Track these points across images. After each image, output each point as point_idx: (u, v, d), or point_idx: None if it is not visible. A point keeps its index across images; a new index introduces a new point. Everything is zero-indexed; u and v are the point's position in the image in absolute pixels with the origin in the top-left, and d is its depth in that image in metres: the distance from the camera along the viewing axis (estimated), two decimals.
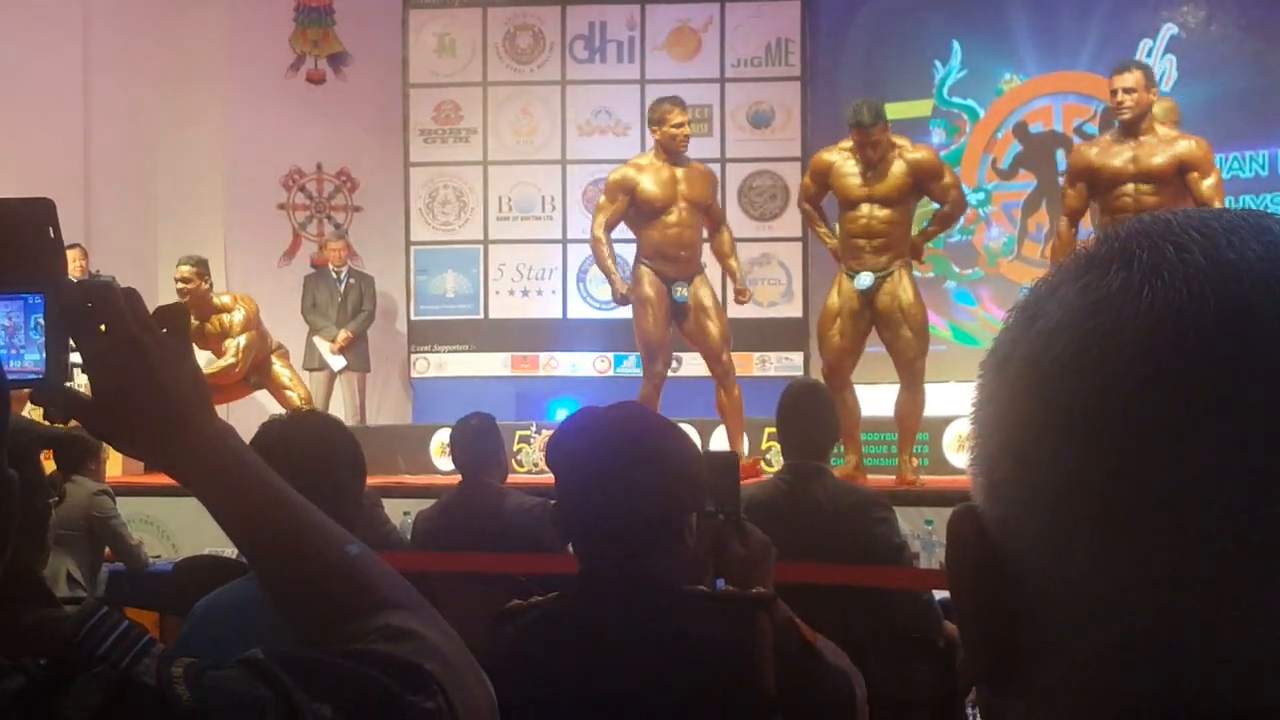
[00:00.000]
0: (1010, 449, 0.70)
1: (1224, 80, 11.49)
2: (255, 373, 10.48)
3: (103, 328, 1.29)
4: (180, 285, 10.12)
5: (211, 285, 10.38)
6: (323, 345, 12.20)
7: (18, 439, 3.13)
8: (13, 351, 1.32)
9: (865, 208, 8.57)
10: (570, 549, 2.65)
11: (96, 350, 1.29)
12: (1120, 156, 8.00)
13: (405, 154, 13.29)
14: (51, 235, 1.32)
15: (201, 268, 10.24)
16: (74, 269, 11.51)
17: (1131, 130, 7.99)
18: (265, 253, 13.64)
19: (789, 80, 13.08)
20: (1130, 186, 7.95)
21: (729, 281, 9.93)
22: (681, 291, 9.23)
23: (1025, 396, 0.70)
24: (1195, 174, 7.86)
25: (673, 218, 9.21)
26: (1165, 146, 7.93)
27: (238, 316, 10.28)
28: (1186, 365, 0.65)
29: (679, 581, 2.58)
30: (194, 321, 10.15)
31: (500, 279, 13.28)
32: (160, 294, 12.23)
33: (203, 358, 10.51)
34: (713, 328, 9.28)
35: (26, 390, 1.34)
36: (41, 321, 1.31)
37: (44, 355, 1.32)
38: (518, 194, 13.31)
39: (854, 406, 8.58)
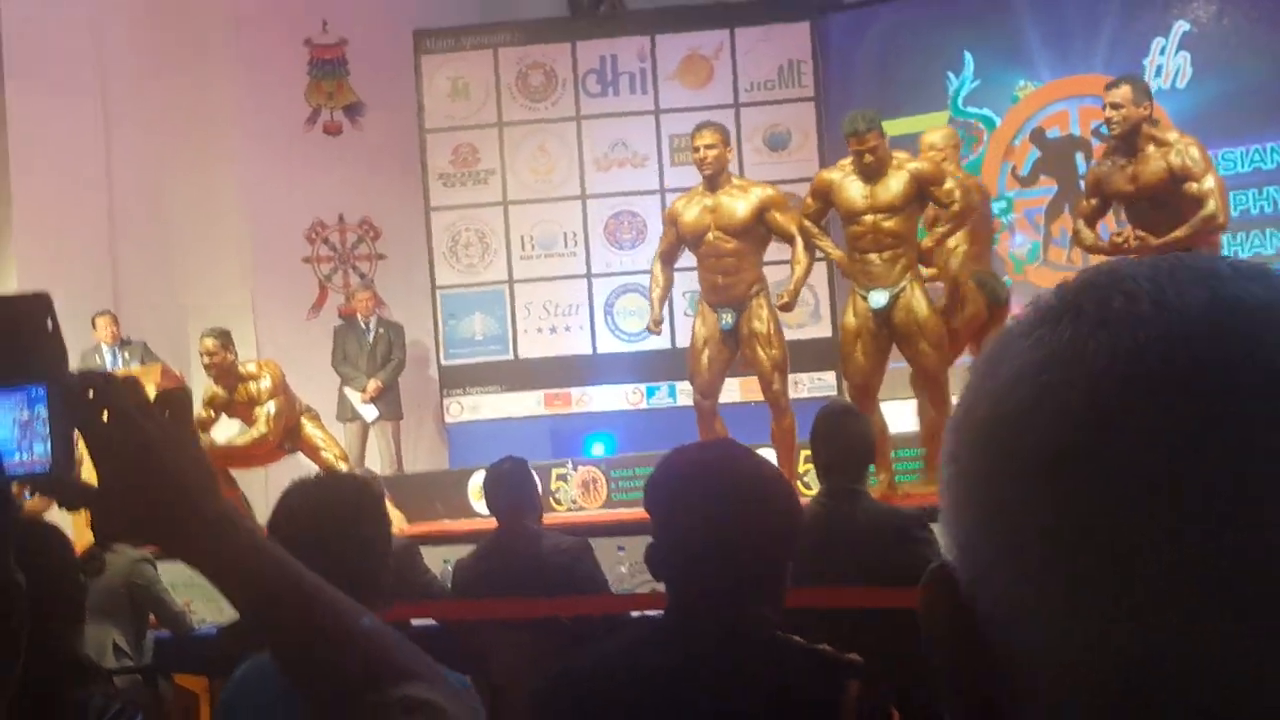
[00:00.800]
0: (974, 503, 0.71)
1: (1239, 73, 11.45)
2: (288, 438, 10.49)
3: (105, 417, 1.29)
4: (206, 359, 10.19)
5: (236, 356, 10.39)
6: (354, 396, 12.23)
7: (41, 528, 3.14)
8: (24, 444, 1.32)
9: (869, 218, 8.58)
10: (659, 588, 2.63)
11: (99, 440, 1.29)
12: (1122, 175, 8.06)
13: (425, 199, 13.33)
14: (50, 328, 1.32)
15: (224, 339, 10.29)
16: (106, 335, 11.60)
17: (1128, 145, 8.01)
18: (293, 306, 13.70)
19: (803, 101, 13.09)
20: (1137, 206, 8.01)
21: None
22: (727, 319, 9.23)
23: (983, 452, 0.71)
24: (1188, 182, 7.85)
25: (706, 247, 9.25)
26: (1159, 161, 7.93)
27: (264, 384, 10.30)
28: (1134, 415, 0.66)
29: (773, 627, 2.56)
30: (221, 392, 10.20)
31: (528, 318, 13.29)
32: (191, 355, 12.35)
33: (234, 427, 10.56)
34: (762, 355, 9.23)
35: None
36: (45, 414, 1.31)
37: (48, 448, 1.32)
38: (540, 232, 13.33)
39: (883, 425, 8.53)
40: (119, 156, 13.19)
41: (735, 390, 11.70)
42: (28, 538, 3.19)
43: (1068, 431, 0.66)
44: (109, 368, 11.20)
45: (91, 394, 1.29)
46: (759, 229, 9.18)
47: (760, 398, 9.60)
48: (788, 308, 9.31)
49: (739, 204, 9.15)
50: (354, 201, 13.92)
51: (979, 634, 0.71)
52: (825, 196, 8.85)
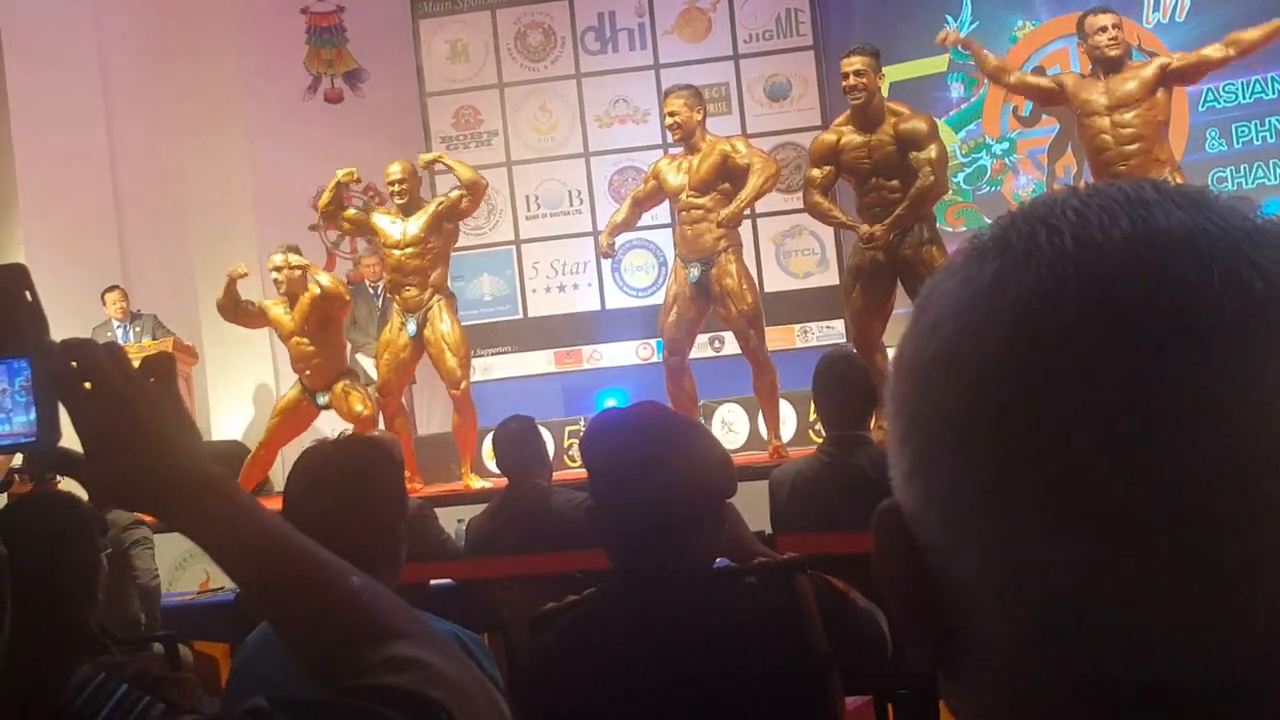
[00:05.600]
0: (907, 444, 0.72)
1: (1238, 3, 11.35)
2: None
3: (88, 385, 1.30)
4: (276, 276, 10.32)
5: (305, 270, 10.39)
6: (366, 362, 12.23)
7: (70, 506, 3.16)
8: (3, 416, 1.33)
9: (873, 182, 8.66)
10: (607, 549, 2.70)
11: (83, 408, 1.30)
12: (1098, 88, 8.43)
13: None
14: (29, 299, 1.33)
15: (294, 256, 10.38)
16: (115, 310, 11.61)
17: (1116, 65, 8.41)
18: None
19: (802, 50, 13.04)
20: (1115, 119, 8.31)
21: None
22: (694, 271, 9.37)
23: (912, 393, 0.71)
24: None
25: (681, 204, 9.48)
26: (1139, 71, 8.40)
27: (323, 280, 10.35)
28: (1048, 351, 0.65)
29: (709, 567, 2.66)
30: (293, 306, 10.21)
31: (535, 277, 13.30)
32: (202, 326, 12.38)
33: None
34: (734, 309, 9.36)
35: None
36: (27, 384, 1.32)
37: (32, 417, 1.33)
38: (544, 191, 13.32)
39: (885, 370, 8.47)
40: (121, 131, 13.17)
41: (707, 346, 11.79)
42: (39, 509, 3.21)
43: (987, 372, 0.67)
44: (121, 342, 11.23)
45: (75, 363, 1.31)
46: (724, 183, 9.35)
47: (733, 352, 9.76)
48: (724, 223, 9.28)
49: (706, 162, 9.35)
50: (358, 168, 13.86)
51: (925, 568, 0.71)
52: (831, 158, 8.90)
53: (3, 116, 12.63)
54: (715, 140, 9.50)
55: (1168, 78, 8.35)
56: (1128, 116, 8.20)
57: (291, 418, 10.45)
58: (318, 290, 10.16)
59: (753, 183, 9.17)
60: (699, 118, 9.43)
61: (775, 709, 2.51)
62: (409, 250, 9.99)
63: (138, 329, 11.81)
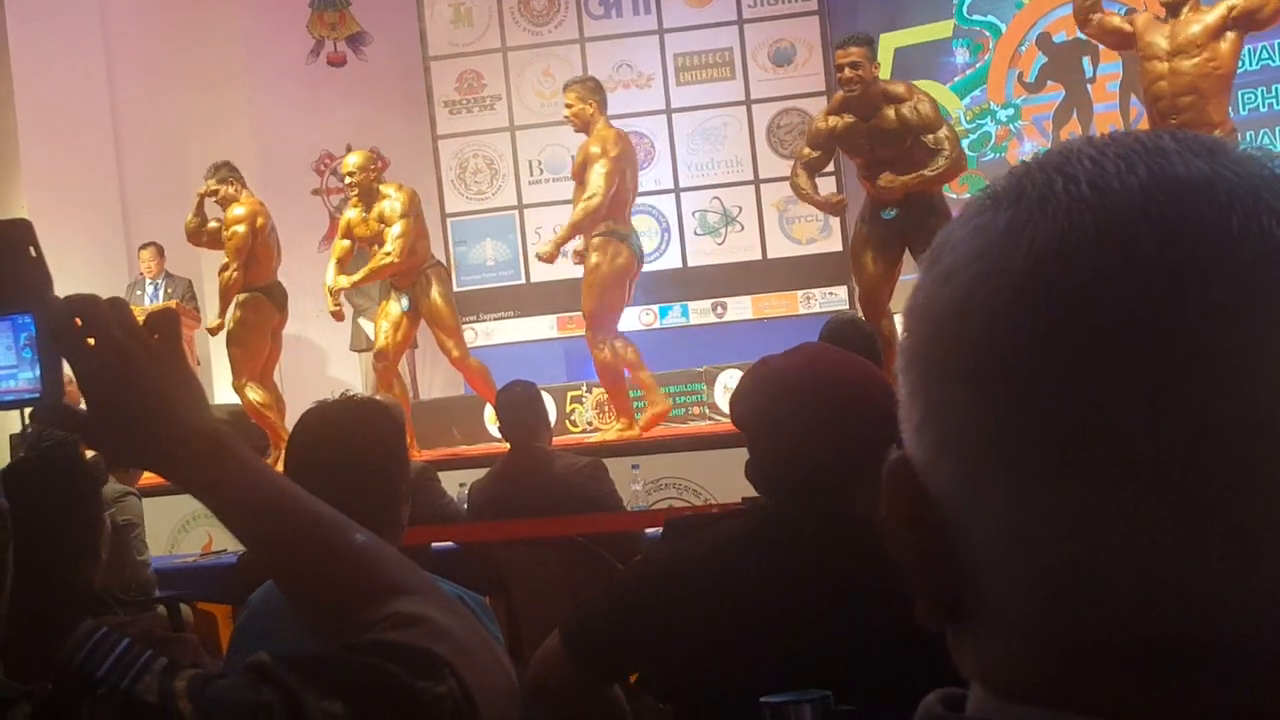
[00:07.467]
0: (919, 395, 0.71)
1: None
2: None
3: (91, 341, 1.29)
4: (210, 199, 10.11)
5: (238, 188, 10.12)
6: (368, 326, 12.23)
7: (71, 460, 3.15)
8: (8, 372, 1.32)
9: (874, 167, 8.54)
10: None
11: (87, 365, 1.30)
12: (1162, 31, 8.08)
13: (432, 127, 13.28)
14: (33, 254, 1.32)
15: (223, 172, 10.08)
16: (148, 268, 11.64)
17: (1173, 10, 8.08)
18: (304, 239, 13.64)
19: (808, 15, 12.97)
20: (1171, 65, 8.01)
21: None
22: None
23: (924, 343, 0.70)
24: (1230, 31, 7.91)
25: None
26: (1198, 16, 7.99)
27: (238, 210, 10.01)
28: (1063, 297, 0.64)
29: (870, 524, 2.51)
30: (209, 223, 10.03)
31: (538, 242, 13.21)
32: (206, 288, 12.37)
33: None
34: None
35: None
36: (32, 340, 1.32)
37: (37, 374, 1.32)
38: (547, 156, 13.27)
39: (893, 336, 8.48)
40: (123, 92, 13.17)
41: (747, 308, 11.78)
42: (41, 466, 3.20)
43: (1001, 320, 0.66)
44: (150, 301, 11.28)
45: (78, 319, 1.30)
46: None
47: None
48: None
49: (581, 155, 9.39)
50: (361, 132, 13.85)
51: (936, 520, 0.70)
52: (826, 144, 8.82)
53: (5, 76, 12.60)
54: (597, 137, 9.32)
55: (1234, 22, 7.96)
56: (1186, 64, 7.90)
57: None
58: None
59: (571, 221, 9.30)
60: (591, 110, 9.33)
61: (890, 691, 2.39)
62: (375, 246, 9.88)
63: (169, 290, 11.84)
